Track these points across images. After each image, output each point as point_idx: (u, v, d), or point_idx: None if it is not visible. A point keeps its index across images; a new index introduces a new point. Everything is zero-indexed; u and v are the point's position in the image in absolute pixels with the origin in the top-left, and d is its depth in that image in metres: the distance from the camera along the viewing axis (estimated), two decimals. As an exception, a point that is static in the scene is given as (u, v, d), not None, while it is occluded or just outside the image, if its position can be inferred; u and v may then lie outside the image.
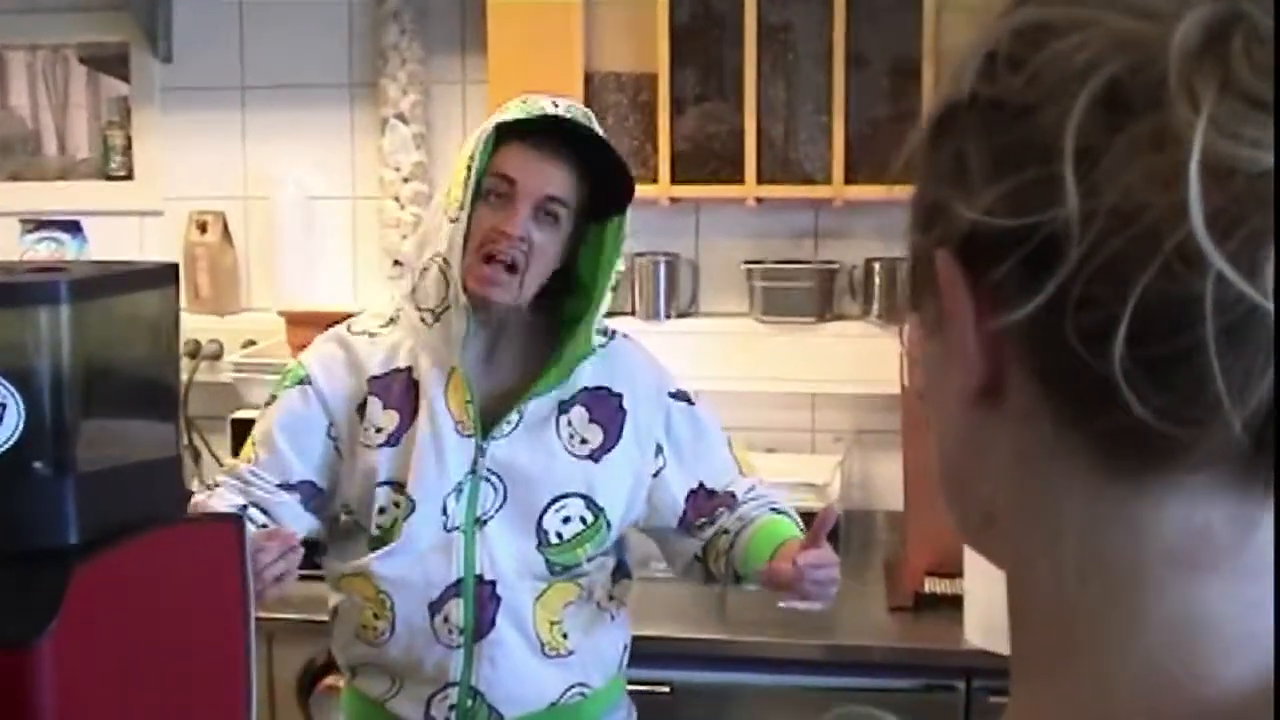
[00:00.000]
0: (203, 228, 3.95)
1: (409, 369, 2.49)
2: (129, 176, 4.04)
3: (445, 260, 2.40)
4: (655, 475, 2.59)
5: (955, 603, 3.08)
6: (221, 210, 3.98)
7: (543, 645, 2.50)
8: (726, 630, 3.09)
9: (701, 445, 2.65)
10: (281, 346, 3.67)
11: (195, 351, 3.81)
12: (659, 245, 3.80)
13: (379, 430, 2.47)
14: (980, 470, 0.72)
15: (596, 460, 2.52)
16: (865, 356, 3.65)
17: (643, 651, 2.73)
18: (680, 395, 2.65)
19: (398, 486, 2.45)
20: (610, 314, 3.68)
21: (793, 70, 3.61)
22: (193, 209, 3.97)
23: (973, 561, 2.97)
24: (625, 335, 2.67)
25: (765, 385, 3.74)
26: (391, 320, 2.55)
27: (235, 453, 3.39)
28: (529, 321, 2.53)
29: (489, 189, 2.41)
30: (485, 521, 2.46)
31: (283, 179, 3.91)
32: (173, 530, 1.63)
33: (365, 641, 2.52)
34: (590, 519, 2.50)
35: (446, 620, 2.46)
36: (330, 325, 2.67)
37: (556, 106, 2.42)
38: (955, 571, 3.11)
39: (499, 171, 2.41)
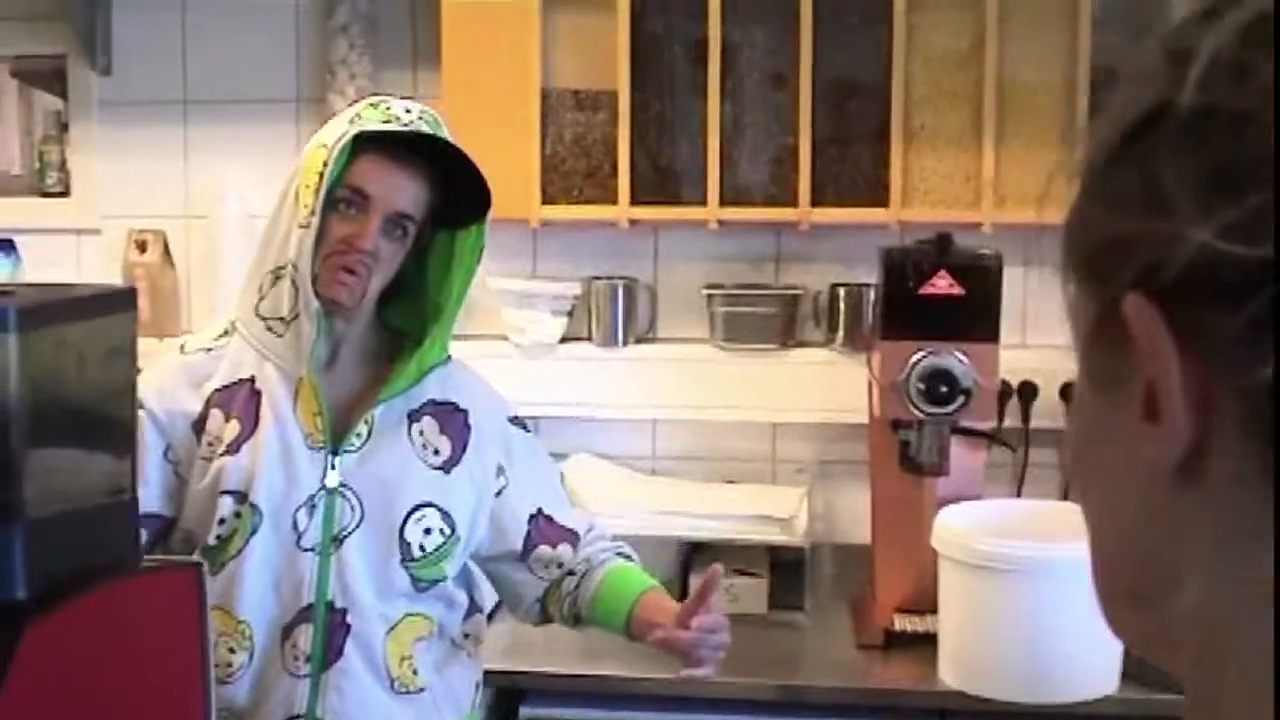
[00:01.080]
0: (142, 247, 3.82)
1: (251, 379, 2.43)
2: (65, 193, 3.90)
3: (295, 266, 2.36)
4: (497, 495, 2.55)
5: (928, 641, 2.99)
6: (162, 229, 3.84)
7: (393, 680, 2.44)
8: (681, 669, 2.96)
9: (540, 472, 2.64)
10: (224, 371, 3.53)
11: (134, 376, 3.67)
12: (616, 269, 3.71)
13: (219, 440, 2.41)
14: (1170, 558, 0.61)
15: (447, 472, 2.48)
16: (828, 385, 3.56)
17: (589, 690, 2.62)
18: (518, 422, 2.63)
19: (240, 496, 2.38)
20: (565, 339, 3.64)
21: (756, 90, 3.51)
22: (132, 227, 3.84)
23: (947, 598, 2.88)
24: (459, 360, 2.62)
25: (725, 414, 3.65)
26: (225, 333, 2.49)
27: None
28: (367, 332, 2.51)
29: (340, 198, 2.38)
30: (343, 540, 2.39)
31: (225, 196, 3.78)
32: (129, 581, 1.51)
33: (216, 681, 2.41)
34: (447, 531, 2.45)
35: (295, 646, 2.39)
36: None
37: (409, 112, 2.39)
38: (927, 608, 3.02)
39: (354, 184, 2.37)
